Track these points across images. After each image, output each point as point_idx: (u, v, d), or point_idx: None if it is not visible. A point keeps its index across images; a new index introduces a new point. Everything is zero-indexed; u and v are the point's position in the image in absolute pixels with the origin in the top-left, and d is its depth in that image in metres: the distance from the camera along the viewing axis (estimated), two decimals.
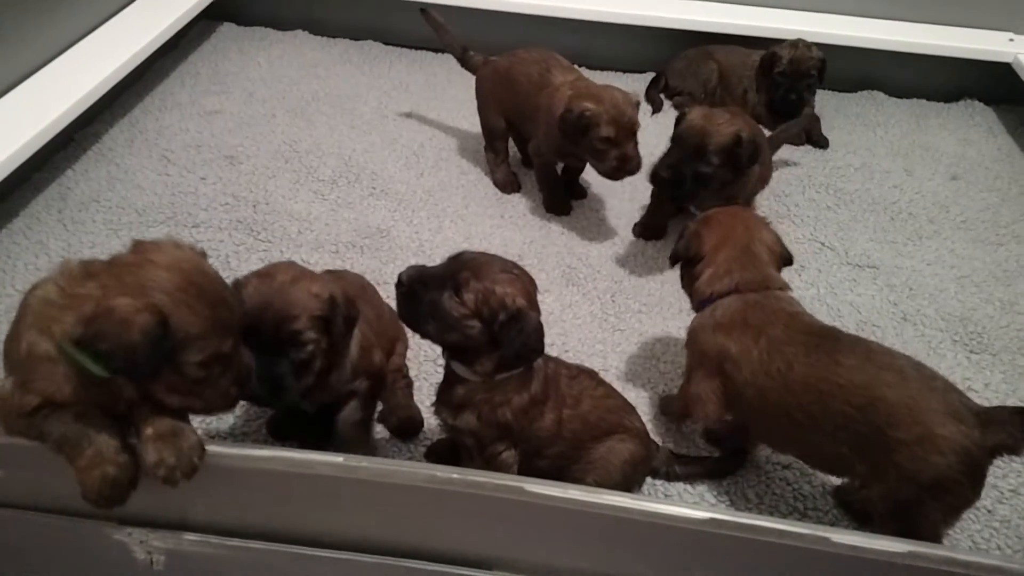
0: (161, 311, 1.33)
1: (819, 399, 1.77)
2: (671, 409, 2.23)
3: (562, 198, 3.05)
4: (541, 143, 2.92)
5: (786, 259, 2.12)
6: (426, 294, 1.65)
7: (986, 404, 2.32)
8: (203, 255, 1.50)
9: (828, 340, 1.85)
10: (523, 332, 1.63)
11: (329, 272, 2.03)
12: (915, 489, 1.69)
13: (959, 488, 1.69)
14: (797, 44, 3.43)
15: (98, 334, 1.31)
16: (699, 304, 2.05)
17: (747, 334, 1.89)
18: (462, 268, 1.65)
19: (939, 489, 1.68)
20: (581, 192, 3.13)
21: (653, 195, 2.90)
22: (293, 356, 1.66)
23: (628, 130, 2.68)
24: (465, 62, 3.20)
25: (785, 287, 2.04)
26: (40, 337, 1.38)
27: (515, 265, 1.72)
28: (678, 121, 2.66)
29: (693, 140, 2.57)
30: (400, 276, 1.68)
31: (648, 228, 2.94)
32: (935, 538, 1.74)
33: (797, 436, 1.84)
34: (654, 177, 2.67)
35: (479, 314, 1.62)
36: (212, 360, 1.42)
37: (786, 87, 3.42)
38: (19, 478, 1.55)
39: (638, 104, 2.74)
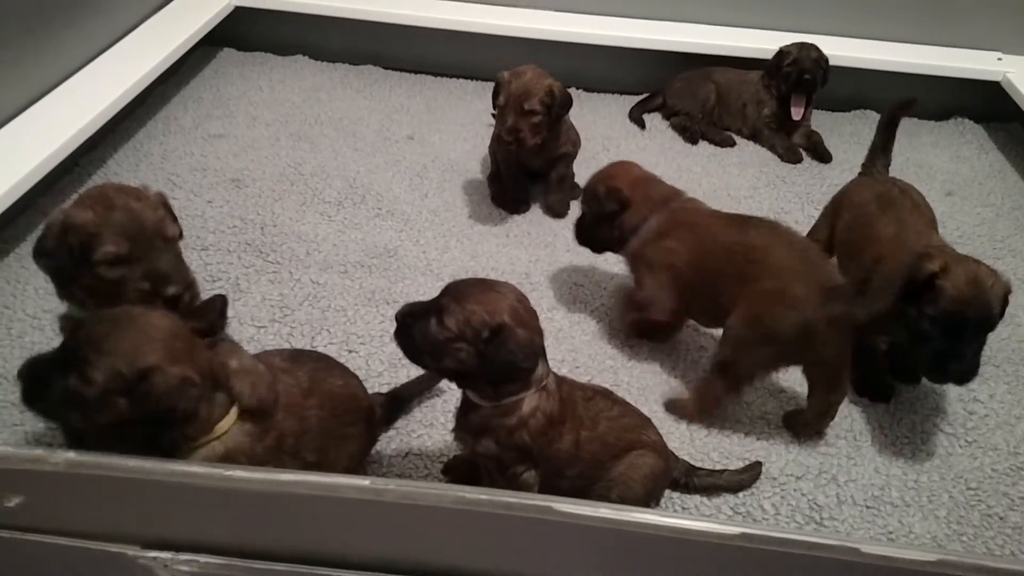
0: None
1: (726, 255, 2.19)
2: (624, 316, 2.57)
3: (514, 196, 3.14)
4: (494, 139, 3.04)
5: None
6: (415, 326, 1.68)
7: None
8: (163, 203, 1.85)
9: (743, 218, 2.31)
10: (504, 346, 1.62)
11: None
12: (753, 333, 2.12)
13: (787, 342, 2.09)
14: (801, 44, 3.63)
15: None
16: (630, 234, 2.39)
17: (683, 230, 2.31)
18: (446, 295, 1.69)
19: (770, 337, 2.10)
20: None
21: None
22: (71, 383, 1.43)
23: (517, 103, 2.81)
24: None
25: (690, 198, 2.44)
26: None
27: (504, 284, 1.73)
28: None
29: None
30: (396, 315, 1.72)
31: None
32: (745, 379, 2.21)
33: (707, 294, 2.26)
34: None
35: (463, 336, 1.63)
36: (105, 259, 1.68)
37: (800, 70, 3.57)
38: (40, 503, 1.53)
39: (554, 93, 2.84)
